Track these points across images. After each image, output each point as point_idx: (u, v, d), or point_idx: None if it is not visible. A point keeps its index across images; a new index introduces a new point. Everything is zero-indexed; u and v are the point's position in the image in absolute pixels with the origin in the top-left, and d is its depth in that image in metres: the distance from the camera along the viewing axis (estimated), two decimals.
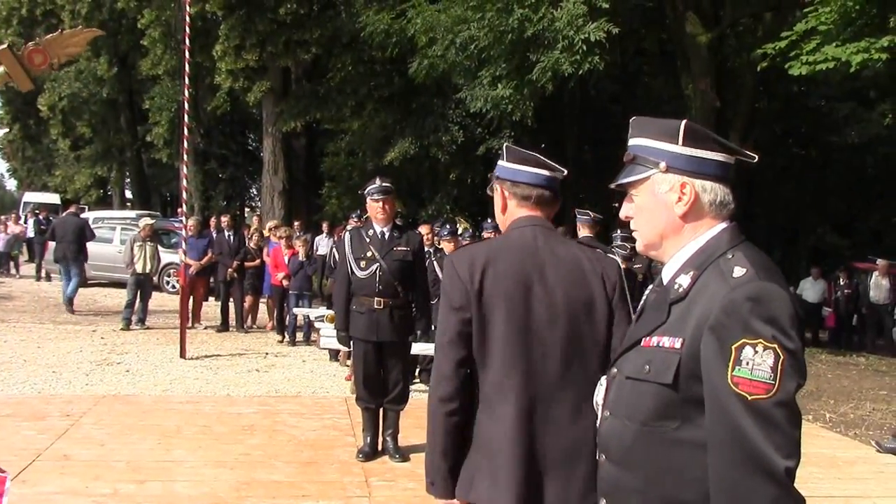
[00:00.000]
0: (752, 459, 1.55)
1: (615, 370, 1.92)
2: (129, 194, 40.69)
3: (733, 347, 1.58)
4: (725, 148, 1.85)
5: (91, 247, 18.60)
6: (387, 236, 5.99)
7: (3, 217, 24.53)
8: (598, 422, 1.98)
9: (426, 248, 8.72)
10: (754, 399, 1.56)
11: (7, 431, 6.21)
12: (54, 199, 35.56)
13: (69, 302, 14.49)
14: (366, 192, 6.05)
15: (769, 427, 1.55)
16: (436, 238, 9.57)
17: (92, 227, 19.43)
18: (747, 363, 1.57)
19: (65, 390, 8.17)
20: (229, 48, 19.72)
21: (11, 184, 63.09)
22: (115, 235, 19.22)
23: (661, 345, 1.75)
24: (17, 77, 2.28)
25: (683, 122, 1.85)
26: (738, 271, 1.68)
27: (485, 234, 9.60)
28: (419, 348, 8.33)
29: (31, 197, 35.16)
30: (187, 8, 11.08)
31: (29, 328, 12.34)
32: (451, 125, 18.88)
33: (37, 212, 24.33)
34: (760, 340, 1.57)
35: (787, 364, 1.56)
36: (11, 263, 21.95)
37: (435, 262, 8.75)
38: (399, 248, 5.96)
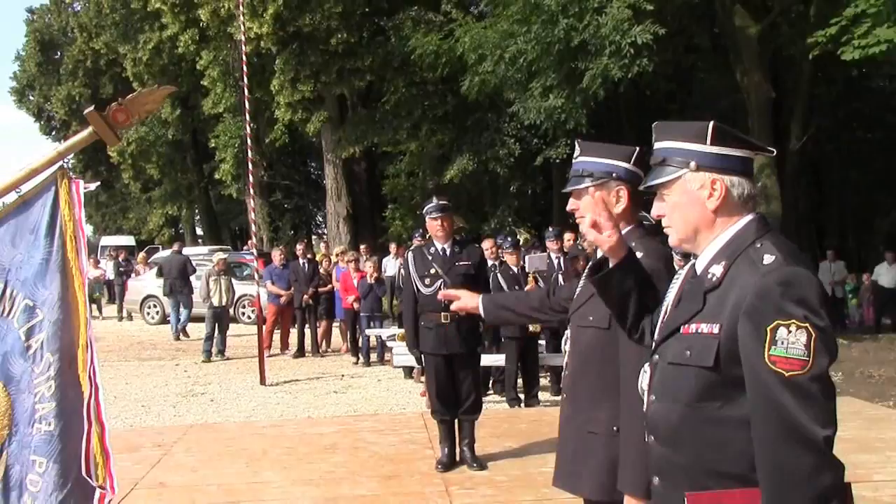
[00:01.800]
0: (792, 431, 1.69)
1: (657, 357, 2.07)
2: (199, 231, 41.82)
3: (768, 329, 1.73)
4: (748, 144, 2.01)
5: None
6: (448, 252, 6.18)
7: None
8: (645, 406, 2.12)
9: (491, 261, 8.92)
10: (791, 375, 1.70)
11: None
12: (130, 241, 36.83)
13: (182, 331, 15.52)
14: (424, 211, 6.26)
15: (806, 400, 1.69)
16: (499, 251, 9.73)
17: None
18: (782, 342, 1.71)
19: (155, 422, 8.56)
20: (285, 82, 20.26)
21: (88, 229, 65.47)
22: None
23: (699, 331, 1.90)
24: (105, 135, 2.54)
25: (711, 122, 2.00)
26: (768, 258, 1.83)
27: (548, 244, 9.73)
28: (489, 359, 8.51)
29: (108, 240, 36.47)
30: (244, 48, 11.52)
31: (116, 366, 12.88)
32: (507, 138, 19.05)
33: (114, 254, 25.22)
34: (793, 321, 1.72)
35: (819, 341, 1.71)
36: (94, 305, 22.82)
37: (499, 275, 8.91)
38: (461, 263, 6.14)
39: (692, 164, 1.98)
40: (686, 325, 1.95)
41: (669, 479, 1.99)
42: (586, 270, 2.47)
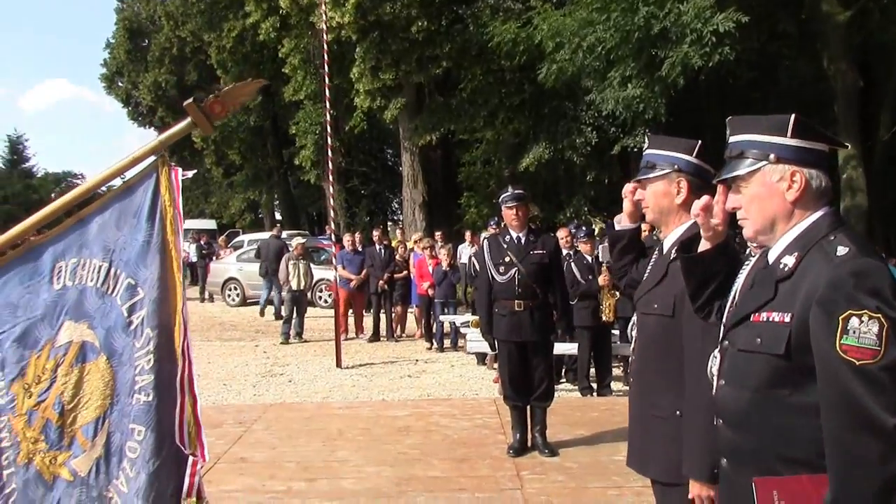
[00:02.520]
0: (862, 419, 1.72)
1: (727, 343, 2.12)
2: (278, 215, 42.67)
3: (840, 318, 1.77)
4: (826, 138, 2.04)
5: (248, 267, 19.88)
6: (523, 241, 6.25)
7: None
8: (714, 390, 2.17)
9: (565, 251, 8.93)
10: (862, 364, 1.74)
11: None
12: (211, 224, 37.82)
13: (278, 312, 15.94)
14: (500, 200, 6.35)
15: (877, 389, 1.72)
16: (574, 240, 9.73)
17: (247, 248, 20.87)
18: (854, 332, 1.75)
19: (236, 400, 8.87)
20: (365, 70, 20.49)
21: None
22: None
23: (770, 319, 1.96)
24: (202, 125, 2.70)
25: (793, 116, 2.04)
26: (842, 250, 1.87)
27: None
28: (562, 348, 8.54)
29: (190, 224, 37.51)
30: (325, 36, 11.74)
31: (199, 346, 13.31)
32: (584, 127, 18.91)
33: (196, 237, 25.92)
34: (866, 311, 1.75)
35: (890, 332, 1.74)
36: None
37: (573, 264, 8.92)
38: (536, 252, 6.21)
39: (772, 156, 2.02)
40: (757, 314, 2.01)
41: (738, 462, 2.05)
42: (677, 248, 2.57)
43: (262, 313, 17.16)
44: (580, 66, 14.02)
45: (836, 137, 2.06)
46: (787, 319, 1.91)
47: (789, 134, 2.01)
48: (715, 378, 2.18)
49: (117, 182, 2.78)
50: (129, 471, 2.61)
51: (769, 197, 2.04)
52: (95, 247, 2.73)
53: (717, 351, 2.20)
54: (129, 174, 2.77)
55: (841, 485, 1.76)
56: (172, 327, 2.63)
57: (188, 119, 2.69)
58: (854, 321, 1.76)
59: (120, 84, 39.77)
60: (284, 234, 22.41)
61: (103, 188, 2.84)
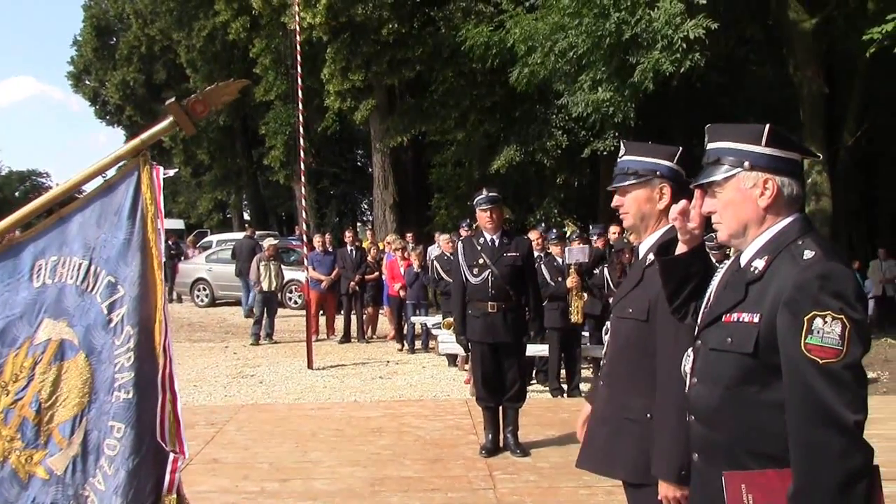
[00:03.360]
0: (824, 415, 1.81)
1: (699, 342, 2.21)
2: (246, 216, 42.43)
3: (805, 319, 1.86)
4: (799, 148, 2.13)
5: (217, 268, 19.80)
6: (497, 243, 6.31)
7: None
8: (687, 388, 2.25)
9: (536, 252, 9.02)
10: (825, 363, 1.83)
11: None
12: (179, 224, 37.52)
13: (251, 310, 15.77)
14: (475, 202, 6.41)
15: (839, 387, 1.81)
16: (545, 242, 9.82)
17: (215, 248, 20.79)
18: (818, 332, 1.84)
19: (206, 401, 8.84)
20: (336, 71, 20.45)
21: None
22: None
23: (740, 320, 2.04)
24: (184, 125, 2.72)
25: (767, 126, 2.13)
26: (808, 254, 1.96)
27: (594, 241, 9.84)
28: (533, 350, 8.61)
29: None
30: (298, 38, 11.71)
31: None
32: (555, 130, 19.02)
33: (167, 237, 25.71)
34: (829, 312, 1.84)
35: (853, 332, 1.83)
36: None
37: (543, 266, 9.00)
38: (509, 254, 6.27)
39: (746, 163, 2.11)
40: (728, 314, 2.09)
41: (709, 457, 2.13)
42: (655, 251, 2.62)
43: (248, 314, 16.71)
44: (551, 69, 14.11)
45: (808, 148, 2.15)
46: (756, 320, 1.99)
47: (763, 143, 2.10)
48: (688, 376, 2.26)
49: (98, 181, 2.79)
50: (107, 468, 2.62)
51: (742, 202, 2.12)
52: (76, 244, 2.75)
53: (690, 350, 2.28)
54: (111, 172, 2.80)
55: (803, 478, 1.84)
56: (153, 325, 2.66)
57: (170, 118, 2.72)
58: (818, 322, 1.84)
59: (87, 82, 39.35)
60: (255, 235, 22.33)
61: (84, 187, 2.86)
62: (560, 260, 9.13)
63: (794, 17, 14.99)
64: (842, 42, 17.92)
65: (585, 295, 8.89)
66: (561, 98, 15.36)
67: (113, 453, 2.62)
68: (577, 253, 8.88)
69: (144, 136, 2.77)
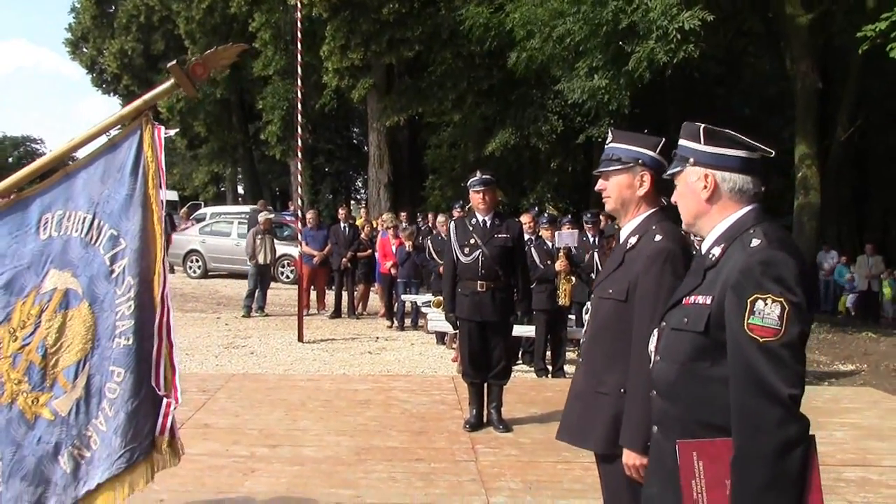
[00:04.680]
0: (762, 388, 2.00)
1: (664, 323, 2.41)
2: (241, 190, 42.43)
3: (748, 301, 2.05)
4: (744, 145, 2.31)
5: (210, 240, 19.93)
6: (488, 224, 6.48)
7: None
8: (651, 364, 2.45)
9: (528, 236, 9.19)
10: (765, 341, 2.02)
11: None
12: (172, 195, 37.52)
13: None
14: (468, 183, 6.57)
15: (776, 363, 2.00)
16: (536, 226, 9.97)
17: (209, 220, 20.90)
18: (759, 313, 2.03)
19: (198, 369, 9.01)
20: (335, 48, 20.52)
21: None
22: (232, 229, 20.29)
23: (696, 302, 2.25)
24: (185, 87, 2.89)
25: (702, 125, 2.35)
26: (755, 242, 2.15)
27: (586, 227, 10.01)
28: (520, 330, 8.80)
29: None
30: (299, 14, 11.79)
31: None
32: (551, 115, 19.17)
33: None
34: (770, 295, 2.04)
35: (791, 314, 2.02)
36: None
37: (533, 249, 9.17)
38: (500, 236, 6.44)
39: (691, 159, 2.34)
40: (687, 297, 2.30)
41: (666, 428, 2.33)
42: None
43: None
44: (549, 55, 14.23)
45: (753, 143, 2.30)
46: (709, 302, 2.20)
47: (701, 141, 2.31)
48: (652, 354, 2.46)
49: (102, 139, 2.99)
50: (108, 411, 2.82)
51: (689, 195, 2.36)
52: (81, 199, 2.94)
53: (656, 330, 2.48)
54: (114, 132, 2.99)
55: (743, 445, 2.03)
56: (152, 276, 2.85)
57: (171, 80, 2.90)
58: (760, 304, 2.03)
59: (84, 50, 39.12)
60: (248, 209, 22.44)
61: (89, 146, 3.02)
62: (550, 244, 9.30)
63: (791, 11, 15.13)
64: (839, 38, 18.07)
65: (573, 279, 9.06)
66: (558, 84, 15.48)
67: (113, 396, 2.82)
68: (566, 237, 9.04)
69: (147, 96, 2.96)
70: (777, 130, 21.88)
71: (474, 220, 6.55)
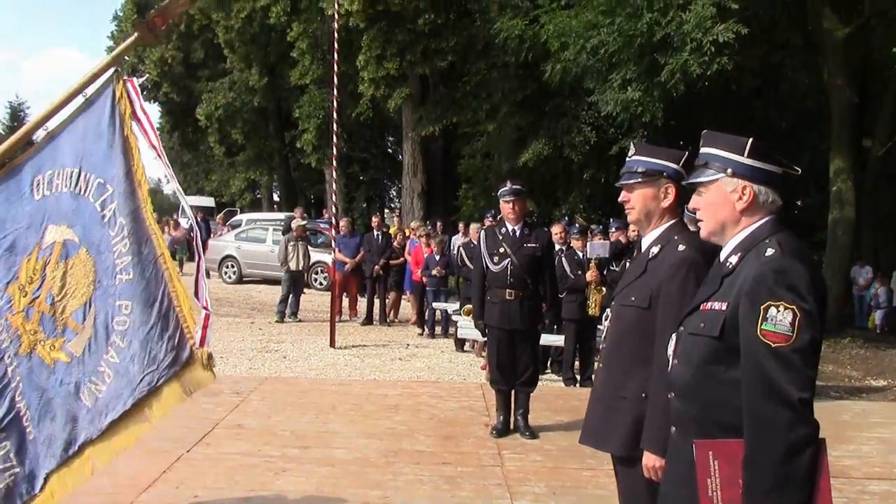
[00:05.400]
0: (773, 392, 2.09)
1: (682, 328, 2.50)
2: (276, 197, 42.84)
3: (762, 307, 2.14)
4: (779, 162, 2.40)
5: (245, 246, 20.22)
6: (518, 234, 6.58)
7: (165, 218, 26.50)
8: (669, 367, 2.55)
9: (559, 246, 9.27)
10: (777, 346, 2.11)
11: (189, 405, 7.10)
12: (209, 202, 38.08)
13: None
14: (499, 193, 6.69)
15: (788, 368, 2.09)
16: (567, 236, 10.03)
17: (245, 227, 21.17)
18: (772, 319, 2.13)
19: (232, 372, 9.19)
20: (371, 58, 20.75)
21: (169, 188, 68.15)
22: (267, 236, 20.53)
23: (713, 308, 2.35)
24: (146, 38, 3.16)
25: (751, 139, 2.40)
26: (770, 251, 2.25)
27: (612, 234, 10.03)
28: (549, 339, 8.87)
29: (189, 200, 37.76)
30: (336, 25, 11.99)
31: None
32: (584, 126, 19.22)
33: (196, 214, 26.06)
34: (782, 302, 2.13)
35: (803, 321, 2.11)
36: (175, 262, 23.43)
37: (564, 259, 9.24)
38: (529, 245, 6.54)
39: (729, 170, 2.39)
40: (705, 303, 2.39)
41: (683, 429, 2.42)
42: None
43: None
44: (583, 66, 14.27)
45: (787, 163, 2.40)
46: (724, 308, 2.29)
47: (746, 154, 2.37)
48: (671, 358, 2.55)
49: (80, 100, 3.24)
50: (119, 342, 3.03)
51: (722, 204, 2.42)
52: (66, 156, 3.19)
53: (674, 335, 2.57)
54: (90, 91, 3.22)
55: (753, 446, 2.12)
56: (144, 213, 3.07)
57: (135, 35, 3.16)
58: (773, 310, 2.12)
59: (126, 57, 39.60)
60: (283, 216, 22.70)
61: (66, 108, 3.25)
62: (581, 254, 9.36)
63: (827, 25, 15.05)
64: (878, 53, 17.89)
65: (604, 289, 9.11)
66: (591, 95, 15.52)
67: (124, 328, 3.03)
68: (598, 248, 9.10)
69: (114, 52, 3.24)
70: (814, 144, 21.71)
71: (504, 229, 6.66)
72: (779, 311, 2.11)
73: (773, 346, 2.10)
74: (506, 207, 6.62)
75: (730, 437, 2.21)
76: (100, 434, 3.00)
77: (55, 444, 3.04)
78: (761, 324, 2.13)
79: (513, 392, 6.67)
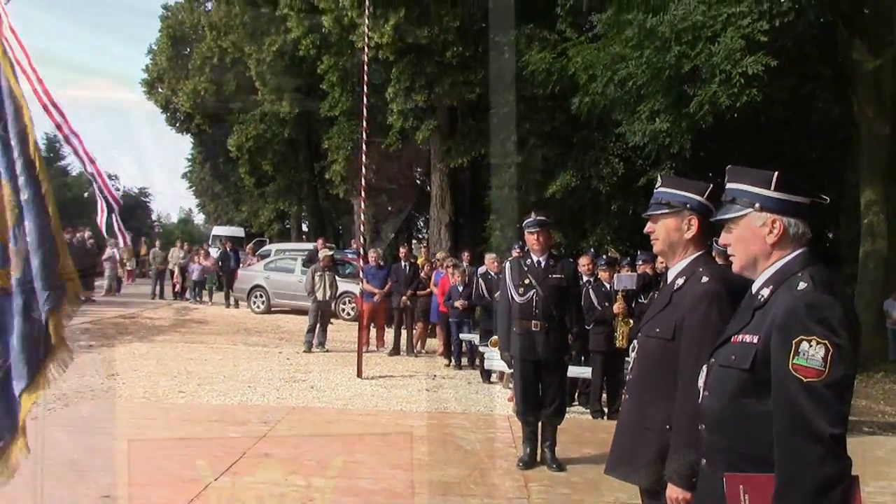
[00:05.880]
0: (804, 426, 2.08)
1: (713, 360, 2.51)
2: (305, 227, 43.13)
3: (794, 342, 2.14)
4: (806, 192, 2.41)
5: (274, 275, 20.36)
6: (543, 265, 6.60)
7: (196, 248, 26.76)
8: (700, 399, 2.55)
9: (586, 277, 9.26)
10: (808, 381, 2.10)
11: (217, 433, 7.24)
12: (239, 232, 38.46)
13: None
14: (523, 225, 6.72)
15: (819, 402, 2.08)
16: (594, 268, 10.01)
17: (274, 257, 21.33)
18: (804, 354, 2.12)
19: (260, 401, 9.24)
20: (400, 90, 20.97)
21: (199, 218, 68.93)
22: (296, 266, 20.67)
23: (744, 340, 2.35)
24: None
25: (776, 173, 2.42)
26: (802, 285, 2.25)
27: (639, 266, 10.01)
28: (576, 371, 8.83)
29: (219, 231, 38.26)
30: (366, 58, 12.15)
31: (225, 349, 13.73)
32: (612, 157, 19.23)
33: (224, 244, 26.31)
34: (814, 337, 2.12)
35: (835, 355, 2.10)
36: (205, 292, 23.68)
37: (591, 290, 9.23)
38: (554, 276, 6.55)
39: (757, 204, 2.41)
40: (736, 336, 2.40)
41: (713, 461, 2.42)
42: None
43: None
44: (611, 98, 14.33)
45: (814, 193, 2.40)
46: (755, 340, 2.29)
47: (773, 187, 2.39)
48: (701, 389, 2.55)
49: None
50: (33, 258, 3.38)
51: (752, 239, 2.43)
52: None
53: (705, 367, 2.57)
54: None
55: (784, 481, 2.11)
56: (27, 134, 3.38)
57: None
58: (805, 345, 2.12)
59: (160, 90, 40.50)
60: (311, 245, 22.86)
61: None
62: (608, 286, 9.35)
63: (857, 56, 15.01)
64: None
65: (631, 321, 9.07)
66: (619, 127, 15.55)
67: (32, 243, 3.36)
68: (625, 280, 9.09)
69: None
70: (845, 176, 21.52)
71: (529, 260, 6.69)
72: (811, 346, 2.11)
73: (805, 380, 2.10)
74: (530, 238, 6.65)
75: (760, 470, 2.21)
76: None
77: None
78: (793, 358, 2.13)
79: (540, 424, 6.65)
